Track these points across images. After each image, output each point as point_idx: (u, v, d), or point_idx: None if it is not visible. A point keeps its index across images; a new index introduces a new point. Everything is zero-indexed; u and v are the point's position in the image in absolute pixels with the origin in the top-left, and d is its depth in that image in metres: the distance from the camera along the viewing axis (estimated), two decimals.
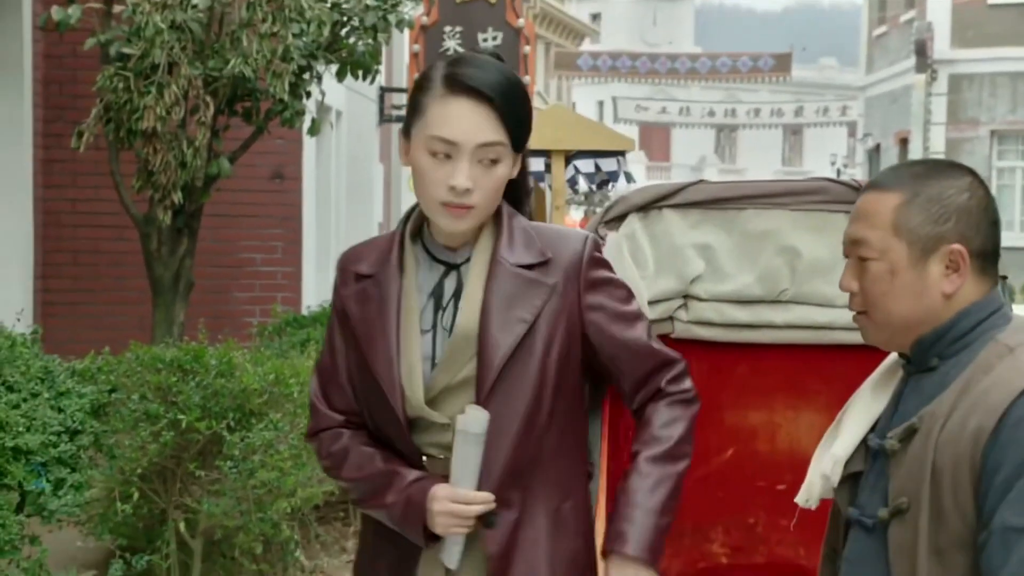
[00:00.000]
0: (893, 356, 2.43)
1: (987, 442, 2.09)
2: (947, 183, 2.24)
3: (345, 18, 6.80)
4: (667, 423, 2.58)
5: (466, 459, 2.45)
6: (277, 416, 5.04)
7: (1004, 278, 2.54)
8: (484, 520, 2.49)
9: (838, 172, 37.17)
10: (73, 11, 6.31)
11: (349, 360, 2.59)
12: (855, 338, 3.40)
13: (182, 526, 4.95)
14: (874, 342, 2.36)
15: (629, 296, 2.64)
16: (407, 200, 16.69)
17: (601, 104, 49.39)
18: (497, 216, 2.55)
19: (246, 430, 4.94)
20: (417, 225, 2.59)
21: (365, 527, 2.72)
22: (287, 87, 6.28)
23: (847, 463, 2.37)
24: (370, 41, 6.90)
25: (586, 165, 9.14)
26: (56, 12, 6.38)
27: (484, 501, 2.47)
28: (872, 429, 2.35)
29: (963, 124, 29.08)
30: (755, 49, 34.26)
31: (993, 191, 2.42)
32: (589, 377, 2.65)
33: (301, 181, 10.03)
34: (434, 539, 2.50)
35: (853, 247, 2.30)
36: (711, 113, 38.15)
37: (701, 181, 3.57)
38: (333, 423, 2.62)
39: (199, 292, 7.07)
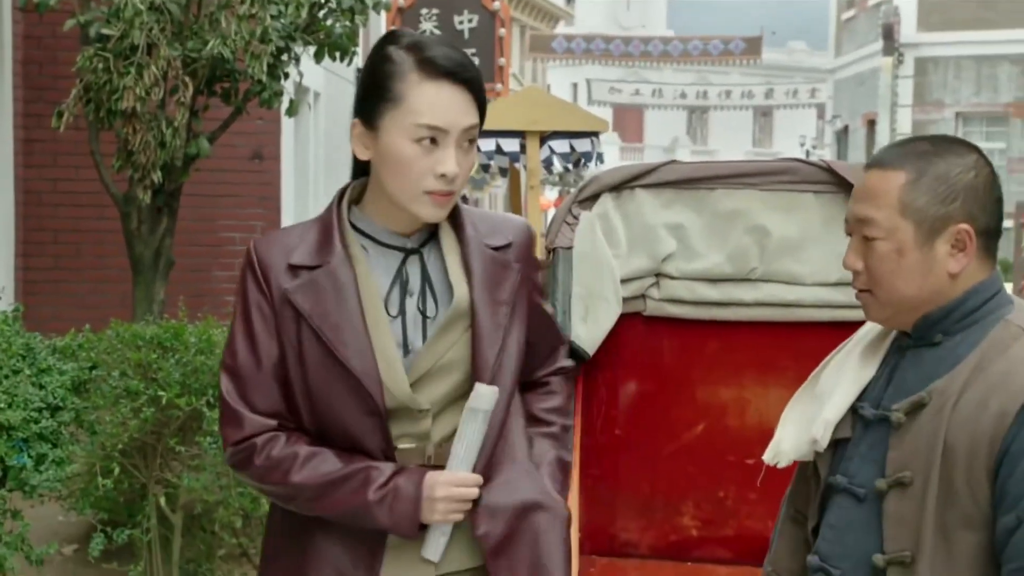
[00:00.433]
0: (872, 325, 2.42)
1: (1011, 426, 2.09)
2: (953, 161, 2.21)
3: (323, 0, 6.83)
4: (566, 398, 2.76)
5: (471, 438, 2.40)
6: None
7: None
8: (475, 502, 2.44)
9: (807, 153, 37.24)
10: None
11: (286, 357, 2.42)
12: (822, 315, 3.52)
13: (162, 501, 4.95)
14: (876, 319, 2.34)
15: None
16: None
17: (575, 86, 49.32)
18: None
19: None
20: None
21: (288, 538, 2.51)
22: (265, 68, 6.28)
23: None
24: (347, 23, 6.90)
25: (561, 146, 9.16)
26: None
27: (478, 483, 2.43)
28: (859, 398, 2.35)
29: (929, 106, 29.26)
30: (726, 32, 34.26)
31: None
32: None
33: (280, 161, 10.04)
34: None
35: (858, 226, 2.27)
36: (683, 95, 38.26)
37: (673, 161, 3.60)
38: (265, 427, 2.42)
39: (179, 271, 7.08)
